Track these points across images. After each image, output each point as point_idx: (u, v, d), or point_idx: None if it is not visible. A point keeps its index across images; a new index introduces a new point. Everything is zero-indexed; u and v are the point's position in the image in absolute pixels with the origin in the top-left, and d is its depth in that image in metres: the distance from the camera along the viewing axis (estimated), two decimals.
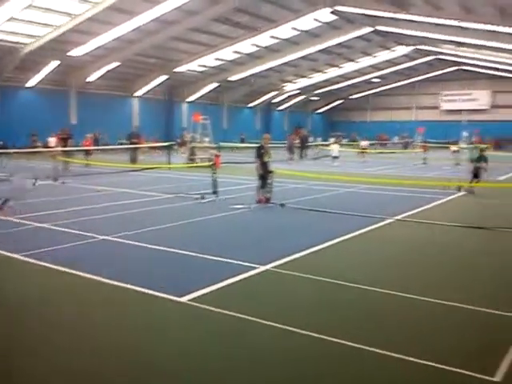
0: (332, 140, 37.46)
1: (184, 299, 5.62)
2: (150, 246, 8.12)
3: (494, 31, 29.34)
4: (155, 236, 8.90)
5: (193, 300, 5.59)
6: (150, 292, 5.85)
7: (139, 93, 42.75)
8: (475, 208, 13.07)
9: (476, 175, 15.34)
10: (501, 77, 53.30)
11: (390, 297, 5.84)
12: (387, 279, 6.53)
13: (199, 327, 5.00)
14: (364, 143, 33.76)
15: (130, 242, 8.34)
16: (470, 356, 4.38)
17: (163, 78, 40.34)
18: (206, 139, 26.46)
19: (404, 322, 5.15)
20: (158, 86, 41.62)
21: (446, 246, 8.55)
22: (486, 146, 22.52)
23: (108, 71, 36.45)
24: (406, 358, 4.26)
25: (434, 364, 4.16)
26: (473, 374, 4.01)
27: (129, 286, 6.07)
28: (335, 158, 27.10)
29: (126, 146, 27.71)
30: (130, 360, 4.30)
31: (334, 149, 28.03)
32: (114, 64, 35.48)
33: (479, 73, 54.31)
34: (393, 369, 4.16)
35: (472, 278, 6.76)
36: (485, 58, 42.98)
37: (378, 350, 4.39)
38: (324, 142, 42.75)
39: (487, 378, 3.96)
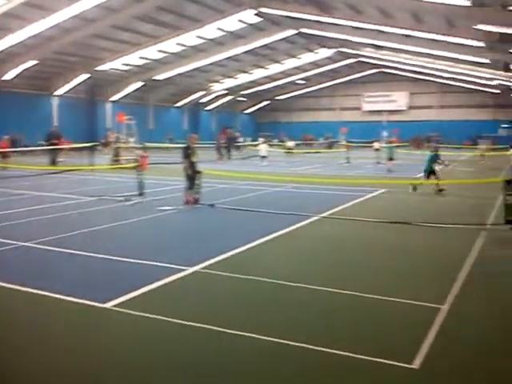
0: (261, 140, 37.87)
1: (108, 305, 5.43)
2: (72, 251, 7.78)
3: (409, 35, 30.94)
4: (78, 241, 8.55)
5: (117, 305, 5.42)
6: (73, 299, 5.61)
7: (59, 92, 40.92)
8: (397, 204, 13.68)
9: (432, 173, 15.38)
10: (417, 79, 56.33)
11: (316, 292, 5.96)
12: (312, 275, 6.66)
13: (122, 332, 4.86)
14: (290, 143, 34.51)
15: (52, 248, 7.96)
16: (389, 345, 4.56)
17: (85, 76, 38.88)
18: (131, 140, 25.80)
19: (329, 315, 5.28)
20: (79, 84, 40.02)
21: (367, 241, 8.87)
22: (399, 144, 23.71)
23: (25, 69, 34.59)
24: (329, 350, 4.38)
25: (351, 354, 4.31)
26: (393, 363, 4.19)
27: (50, 293, 5.78)
28: (264, 157, 27.36)
29: (46, 148, 26.39)
30: (52, 367, 4.09)
31: (262, 149, 28.26)
32: (32, 62, 33.74)
33: (398, 75, 57.08)
34: (313, 360, 4.24)
35: (391, 271, 7.05)
36: (403, 61, 45.20)
37: (301, 345, 4.47)
38: (252, 143, 43.11)
39: (406, 365, 4.15)
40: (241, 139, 37.72)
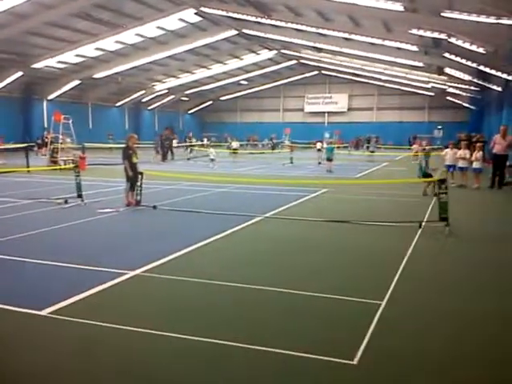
0: (206, 142, 37.56)
1: (44, 312, 5.21)
2: (5, 257, 7.40)
3: (348, 38, 31.79)
4: (12, 246, 8.14)
5: (54, 312, 5.22)
6: (7, 307, 5.34)
7: None
8: (337, 204, 13.98)
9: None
10: (356, 81, 57.95)
11: (261, 292, 5.98)
12: (251, 276, 6.68)
13: (58, 340, 4.66)
14: (235, 144, 34.49)
15: None
16: (332, 343, 4.65)
17: (19, 74, 37.17)
18: (68, 140, 24.94)
19: (270, 315, 5.31)
20: (12, 82, 38.21)
21: (308, 240, 9.01)
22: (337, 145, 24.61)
23: None
24: (271, 349, 4.41)
25: (296, 353, 4.36)
26: (334, 360, 4.27)
27: None
28: (213, 160, 26.28)
29: None
30: None
31: (212, 152, 27.22)
32: None
33: (338, 77, 58.50)
34: (260, 362, 4.26)
35: (332, 270, 7.19)
36: (342, 63, 46.37)
37: (244, 345, 4.47)
38: (196, 143, 42.78)
39: (347, 361, 4.24)
40: (175, 141, 36.38)
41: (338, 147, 30.42)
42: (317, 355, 4.31)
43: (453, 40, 22.48)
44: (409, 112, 59.28)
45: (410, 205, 13.46)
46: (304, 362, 4.25)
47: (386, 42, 29.71)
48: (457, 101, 50.47)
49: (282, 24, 31.16)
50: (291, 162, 28.72)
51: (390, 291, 6.04)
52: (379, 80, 53.23)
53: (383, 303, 5.61)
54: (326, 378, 4.05)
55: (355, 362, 4.24)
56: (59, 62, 37.87)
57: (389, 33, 28.52)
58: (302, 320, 5.20)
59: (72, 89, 43.73)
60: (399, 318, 5.28)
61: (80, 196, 12.75)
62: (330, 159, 23.62)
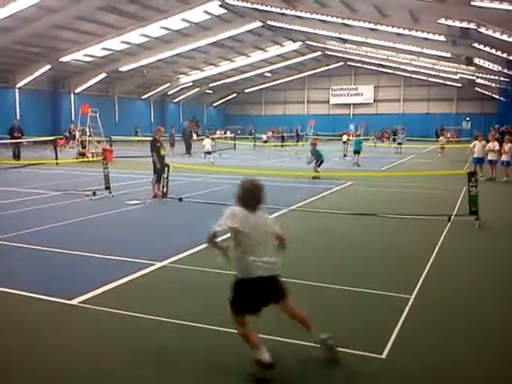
0: (221, 133, 37.34)
1: (74, 301, 5.32)
2: (37, 247, 7.57)
3: (374, 29, 31.30)
4: (43, 236, 8.32)
5: (84, 302, 5.31)
6: (39, 296, 5.47)
7: (21, 84, 39.68)
8: (363, 196, 13.85)
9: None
10: (382, 72, 57.14)
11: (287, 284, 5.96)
12: (283, 267, 6.65)
13: (90, 329, 4.75)
14: (265, 136, 34.25)
15: (15, 244, 7.72)
16: (360, 336, 4.62)
17: (47, 67, 37.81)
18: (97, 132, 25.24)
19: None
20: (40, 75, 38.90)
21: (335, 233, 8.96)
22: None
23: None
24: (297, 342, 4.39)
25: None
26: (363, 353, 4.24)
27: (13, 290, 5.63)
28: (208, 153, 24.30)
29: (9, 142, 25.51)
30: (24, 366, 3.97)
31: (206, 144, 24.79)
32: None
33: (363, 68, 57.76)
34: (289, 353, 4.25)
35: (360, 263, 7.14)
36: (368, 54, 45.73)
37: (270, 337, 4.47)
38: (219, 136, 42.91)
39: (375, 355, 4.21)
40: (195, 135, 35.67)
41: (365, 139, 29.98)
42: (345, 348, 4.28)
43: (482, 29, 21.94)
44: (436, 103, 58.21)
45: (439, 198, 13.24)
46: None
47: (413, 33, 29.12)
48: (486, 92, 49.34)
49: (307, 15, 30.83)
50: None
51: (418, 285, 5.96)
52: (405, 71, 52.39)
53: (412, 297, 5.54)
54: (355, 372, 4.02)
55: (384, 356, 4.21)
56: (86, 55, 38.35)
57: (416, 23, 27.95)
58: (330, 313, 5.18)
59: (98, 82, 44.30)
60: (428, 313, 5.21)
61: (108, 188, 12.92)
62: (357, 152, 23.13)
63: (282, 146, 39.46)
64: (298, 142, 44.88)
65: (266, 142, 34.16)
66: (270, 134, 43.50)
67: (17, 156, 23.67)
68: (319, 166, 17.17)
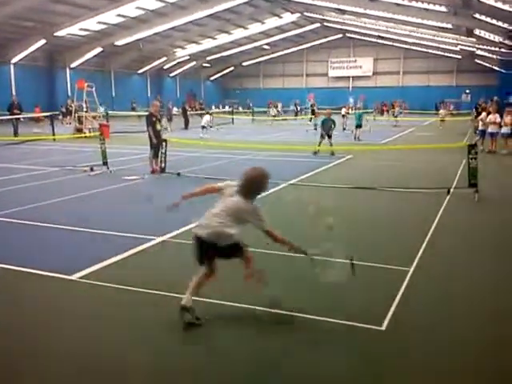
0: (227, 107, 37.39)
1: (74, 277, 5.33)
2: (35, 223, 7.56)
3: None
4: (41, 213, 8.30)
5: (84, 277, 5.32)
6: (38, 272, 5.48)
7: (16, 59, 39.12)
8: (363, 170, 13.81)
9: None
10: (381, 44, 56.38)
11: (284, 258, 5.97)
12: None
13: (89, 304, 4.78)
14: (273, 111, 34.45)
15: (13, 221, 7.72)
16: (360, 308, 4.64)
17: (42, 42, 37.22)
18: (102, 109, 25.02)
19: (299, 282, 5.31)
20: (36, 50, 38.33)
21: (334, 206, 8.94)
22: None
23: None
24: (301, 315, 4.42)
25: (324, 318, 4.37)
26: (362, 325, 4.26)
27: (14, 266, 5.65)
28: (204, 128, 24.64)
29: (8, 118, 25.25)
30: (24, 341, 3.99)
31: (204, 119, 25.32)
32: None
33: (362, 40, 56.94)
34: (292, 327, 4.28)
35: (359, 237, 7.14)
36: (367, 25, 45.06)
37: (269, 309, 4.50)
38: (215, 110, 42.49)
39: (375, 327, 4.23)
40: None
41: (366, 112, 29.91)
42: (345, 321, 4.31)
43: None
44: (436, 76, 57.58)
45: (438, 171, 13.21)
46: (333, 328, 4.26)
47: (413, 3, 28.63)
48: (486, 64, 48.79)
49: None
50: (315, 129, 28.36)
51: (417, 258, 5.97)
52: (405, 43, 51.68)
53: (411, 270, 5.56)
54: (355, 344, 4.05)
55: (383, 327, 4.23)
56: (81, 29, 37.68)
57: None
58: (330, 286, 5.18)
59: (94, 56, 43.67)
60: (427, 285, 5.24)
61: (105, 163, 12.86)
62: (359, 126, 22.91)
63: (295, 119, 39.14)
64: (296, 115, 44.59)
65: (274, 116, 34.11)
66: (279, 108, 43.75)
67: (16, 132, 23.48)
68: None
